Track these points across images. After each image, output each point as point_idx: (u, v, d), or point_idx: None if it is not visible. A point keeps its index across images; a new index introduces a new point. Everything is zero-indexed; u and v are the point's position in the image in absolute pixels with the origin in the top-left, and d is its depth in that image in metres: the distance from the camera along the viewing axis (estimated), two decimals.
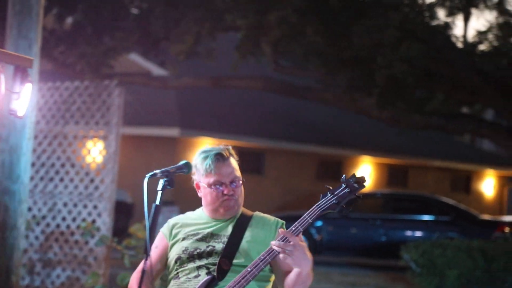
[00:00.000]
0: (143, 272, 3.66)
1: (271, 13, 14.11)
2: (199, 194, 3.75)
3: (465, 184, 27.07)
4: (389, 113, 15.99)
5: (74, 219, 9.30)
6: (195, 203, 3.91)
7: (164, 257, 3.79)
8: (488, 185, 27.66)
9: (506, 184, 28.36)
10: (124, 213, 17.22)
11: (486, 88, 16.05)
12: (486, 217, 19.55)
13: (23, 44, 7.17)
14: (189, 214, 3.86)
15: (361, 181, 3.38)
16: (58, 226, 9.40)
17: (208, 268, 3.62)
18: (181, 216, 3.88)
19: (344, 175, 3.43)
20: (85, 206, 9.24)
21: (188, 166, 3.49)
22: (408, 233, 17.00)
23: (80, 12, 15.10)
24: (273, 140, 21.07)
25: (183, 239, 3.73)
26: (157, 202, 3.33)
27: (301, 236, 3.42)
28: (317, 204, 3.39)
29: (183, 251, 3.70)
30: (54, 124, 9.63)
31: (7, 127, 7.16)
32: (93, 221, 8.99)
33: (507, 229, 17.63)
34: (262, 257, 3.42)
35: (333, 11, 14.44)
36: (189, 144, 19.99)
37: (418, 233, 16.95)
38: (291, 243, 3.33)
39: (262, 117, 21.80)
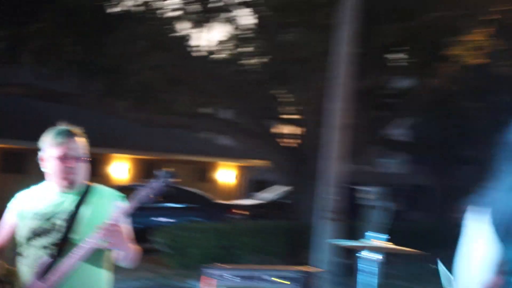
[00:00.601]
0: None
1: (31, 25, 13.73)
2: (44, 169, 3.65)
3: (207, 174, 27.75)
4: (141, 114, 16.11)
5: None
6: None
7: (12, 233, 3.65)
8: (227, 174, 28.50)
9: (243, 173, 29.39)
10: None
11: (222, 92, 16.62)
12: (222, 201, 20.16)
13: None
14: (35, 189, 3.72)
15: (172, 175, 3.49)
16: None
17: (49, 247, 3.51)
18: (27, 191, 3.72)
19: (159, 170, 3.51)
20: None
21: None
22: (158, 219, 17.05)
23: None
24: (35, 141, 20.39)
25: (30, 217, 3.59)
26: None
27: (120, 224, 3.44)
28: (136, 197, 3.44)
29: (28, 229, 3.57)
30: None
31: None
32: None
33: (240, 211, 18.33)
34: (91, 240, 3.41)
35: (88, 24, 14.32)
36: None
37: (167, 219, 17.01)
38: (112, 230, 3.38)
39: (26, 121, 21.05)
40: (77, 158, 3.61)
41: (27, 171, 18.51)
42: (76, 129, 3.69)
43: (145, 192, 3.45)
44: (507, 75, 13.73)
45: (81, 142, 3.66)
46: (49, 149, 3.62)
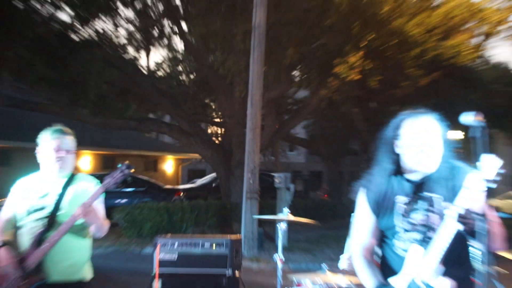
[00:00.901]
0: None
1: (9, 49, 13.34)
2: (39, 160, 3.67)
3: (153, 165, 27.58)
4: (99, 119, 15.92)
5: None
6: None
7: (14, 210, 3.66)
8: (169, 165, 28.42)
9: (180, 164, 29.35)
10: None
11: (163, 101, 16.60)
12: (168, 186, 20.11)
13: None
14: (32, 176, 3.73)
15: (130, 167, 3.47)
16: None
17: (42, 221, 3.55)
18: (27, 178, 3.72)
19: (120, 163, 3.50)
20: None
21: None
22: (117, 200, 16.93)
23: None
24: (17, 141, 19.68)
25: (27, 197, 3.63)
26: None
27: (93, 205, 3.46)
28: (102, 185, 3.47)
29: (26, 206, 3.61)
30: None
31: None
32: None
33: (181, 194, 18.31)
34: (71, 218, 3.45)
35: (56, 48, 14.07)
36: None
37: (124, 200, 17.01)
38: (88, 209, 3.43)
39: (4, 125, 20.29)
40: (67, 151, 3.67)
41: (11, 165, 17.96)
42: (67, 129, 3.75)
43: (110, 180, 3.48)
44: (376, 87, 14.18)
45: (70, 139, 3.73)
46: (46, 143, 3.67)
